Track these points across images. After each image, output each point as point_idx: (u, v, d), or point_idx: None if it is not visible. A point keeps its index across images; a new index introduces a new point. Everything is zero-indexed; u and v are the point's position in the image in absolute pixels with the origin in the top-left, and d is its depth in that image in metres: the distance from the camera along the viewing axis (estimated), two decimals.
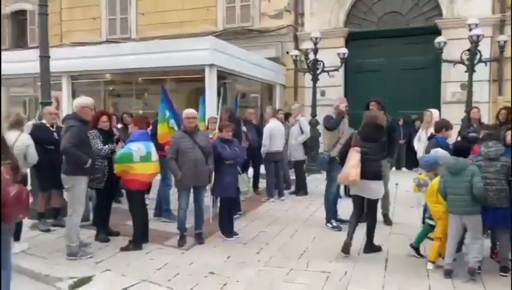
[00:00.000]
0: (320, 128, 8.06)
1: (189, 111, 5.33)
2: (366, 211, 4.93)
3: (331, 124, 5.83)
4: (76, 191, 4.73)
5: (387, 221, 6.14)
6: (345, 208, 6.75)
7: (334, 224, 5.94)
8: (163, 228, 5.84)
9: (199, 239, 5.29)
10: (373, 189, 4.78)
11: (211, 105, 8.04)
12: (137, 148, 4.93)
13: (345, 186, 7.99)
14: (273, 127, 7.77)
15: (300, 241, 5.36)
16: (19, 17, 16.03)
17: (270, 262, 4.66)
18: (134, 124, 5.49)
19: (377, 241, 5.14)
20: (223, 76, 10.18)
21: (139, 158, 4.90)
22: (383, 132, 5.02)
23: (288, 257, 4.80)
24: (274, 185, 7.85)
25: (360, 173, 4.60)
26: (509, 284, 3.86)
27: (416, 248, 4.72)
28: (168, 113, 5.97)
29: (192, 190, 5.33)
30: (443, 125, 5.45)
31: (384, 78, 11.80)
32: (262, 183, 8.29)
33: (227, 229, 5.53)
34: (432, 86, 11.33)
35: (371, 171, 4.65)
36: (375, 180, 4.73)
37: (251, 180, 8.25)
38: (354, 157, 4.65)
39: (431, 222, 4.65)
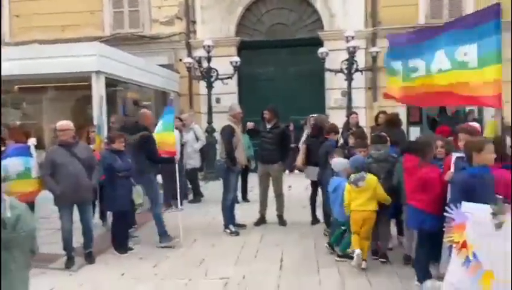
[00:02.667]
0: (217, 135, 8.14)
1: (61, 123, 4.91)
2: None
3: (225, 145, 5.99)
4: None
5: (282, 222, 6.42)
6: (243, 212, 6.93)
7: (233, 229, 6.02)
8: (48, 250, 5.32)
9: (89, 259, 4.94)
10: (311, 172, 6.18)
11: (100, 114, 7.56)
12: (12, 164, 4.44)
13: (242, 191, 8.20)
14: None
15: (200, 250, 5.33)
16: None
17: (168, 275, 4.55)
18: (11, 137, 4.95)
19: (272, 242, 5.39)
20: (112, 84, 9.68)
21: (15, 176, 4.42)
22: (321, 131, 6.10)
23: (187, 267, 4.75)
24: (171, 194, 7.69)
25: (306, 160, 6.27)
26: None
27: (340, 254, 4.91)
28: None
29: (77, 207, 4.95)
30: (332, 130, 6.01)
31: (275, 86, 12.32)
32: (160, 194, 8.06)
33: (121, 245, 5.26)
34: (319, 93, 12.16)
35: (312, 160, 6.09)
36: (315, 166, 6.01)
37: None
38: (301, 149, 6.54)
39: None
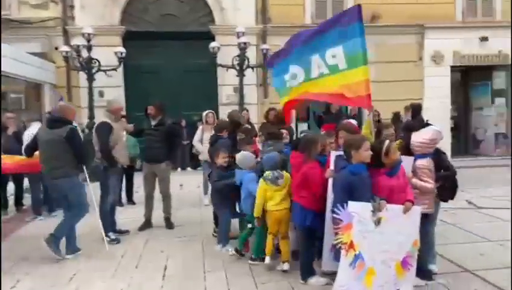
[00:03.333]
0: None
1: None
2: None
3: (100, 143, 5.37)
4: None
5: (169, 225, 6.03)
6: (128, 215, 6.39)
7: (113, 237, 5.45)
8: None
9: None
10: None
11: None
12: None
13: (127, 193, 7.58)
14: (33, 133, 6.59)
15: (71, 263, 4.68)
16: None
17: None
18: None
19: (157, 247, 5.02)
20: None
21: None
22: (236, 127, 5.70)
23: (53, 285, 4.11)
24: (42, 200, 6.77)
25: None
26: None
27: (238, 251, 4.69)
28: None
29: None
30: (224, 127, 5.72)
31: (165, 80, 11.74)
32: (28, 200, 7.08)
33: None
34: (211, 89, 11.90)
35: None
36: None
37: (12, 197, 6.98)
38: None
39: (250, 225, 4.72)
